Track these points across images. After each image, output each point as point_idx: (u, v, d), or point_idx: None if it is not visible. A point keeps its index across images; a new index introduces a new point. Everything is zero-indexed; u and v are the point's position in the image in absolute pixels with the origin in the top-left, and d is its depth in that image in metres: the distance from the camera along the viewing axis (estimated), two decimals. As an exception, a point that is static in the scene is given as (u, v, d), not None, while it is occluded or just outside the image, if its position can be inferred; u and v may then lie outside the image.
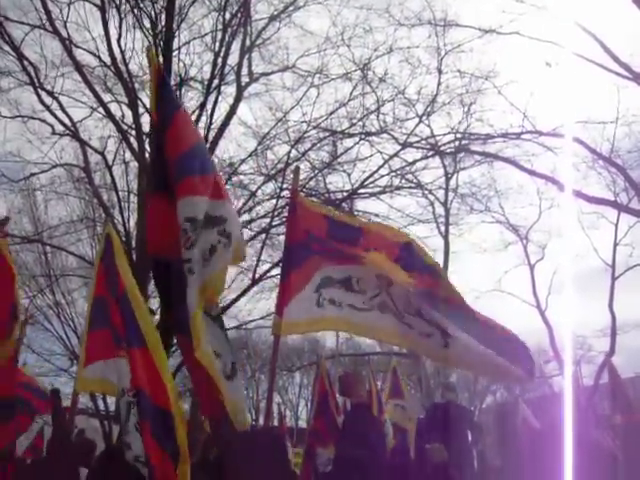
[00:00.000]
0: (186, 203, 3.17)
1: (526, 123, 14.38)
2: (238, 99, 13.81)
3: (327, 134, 14.13)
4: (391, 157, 14.31)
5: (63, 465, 3.36)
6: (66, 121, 13.48)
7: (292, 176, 4.75)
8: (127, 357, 3.28)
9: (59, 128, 13.70)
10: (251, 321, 15.91)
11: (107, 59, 13.09)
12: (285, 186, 13.51)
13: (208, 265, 3.15)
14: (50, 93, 13.15)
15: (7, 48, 12.70)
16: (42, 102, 13.12)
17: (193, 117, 13.38)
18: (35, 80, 12.86)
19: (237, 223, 3.60)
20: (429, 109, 14.12)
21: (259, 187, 13.95)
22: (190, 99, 13.88)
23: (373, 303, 3.59)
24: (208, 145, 13.29)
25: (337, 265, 3.68)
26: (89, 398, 14.59)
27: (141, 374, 3.11)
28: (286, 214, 13.30)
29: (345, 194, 14.67)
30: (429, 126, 14.76)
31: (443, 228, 19.15)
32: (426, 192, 16.48)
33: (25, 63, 12.81)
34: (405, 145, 14.35)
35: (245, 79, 14.11)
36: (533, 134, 14.60)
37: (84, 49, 13.21)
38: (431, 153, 15.10)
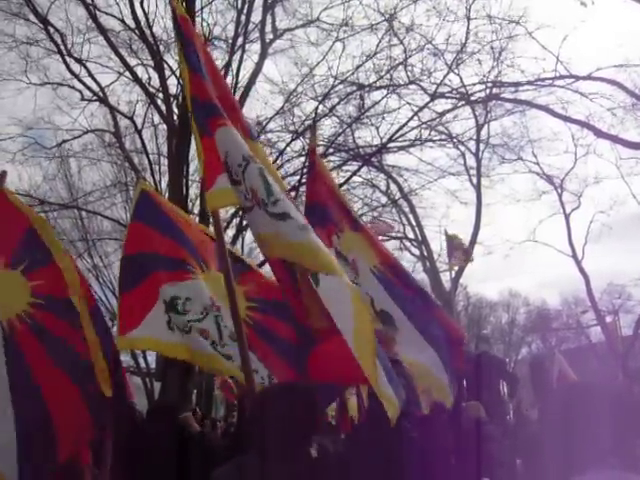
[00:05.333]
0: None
1: (560, 68, 13.86)
2: (263, 56, 13.66)
3: (354, 88, 13.88)
4: (421, 108, 14.01)
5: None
6: (94, 87, 13.60)
7: (310, 135, 4.75)
8: (202, 277, 3.46)
9: (88, 94, 13.86)
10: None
11: (131, 23, 13.04)
12: (319, 142, 13.44)
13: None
14: (78, 60, 13.21)
15: (34, 17, 12.74)
16: (70, 70, 13.23)
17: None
18: (62, 48, 12.92)
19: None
20: (458, 58, 13.70)
21: (287, 145, 13.88)
22: (215, 59, 13.75)
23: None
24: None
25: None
26: (130, 356, 15.15)
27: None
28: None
29: (374, 148, 14.48)
30: (459, 75, 14.38)
31: (475, 180, 18.87)
32: (457, 143, 16.21)
33: (51, 31, 12.85)
34: (435, 96, 14.01)
35: (269, 36, 13.90)
36: (567, 79, 14.09)
37: (108, 14, 13.16)
38: (461, 103, 14.73)
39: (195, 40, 3.21)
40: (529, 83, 14.14)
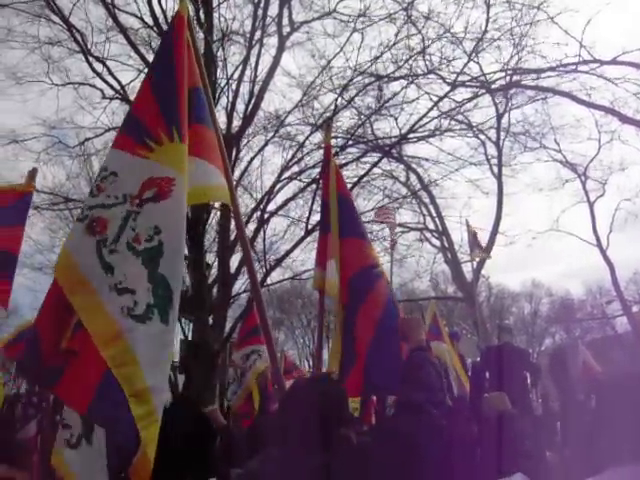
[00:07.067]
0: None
1: (583, 53, 13.61)
2: (281, 50, 13.66)
3: (373, 79, 13.81)
4: (441, 98, 13.86)
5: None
6: (115, 85, 13.71)
7: (325, 132, 4.68)
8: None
9: (109, 92, 13.96)
10: (305, 271, 16.06)
11: (149, 20, 13.15)
12: (334, 134, 13.42)
13: None
14: (98, 59, 13.35)
15: (56, 18, 12.90)
16: (93, 69, 13.36)
17: (237, 72, 13.42)
18: (84, 48, 13.06)
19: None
20: (478, 46, 13.53)
21: (307, 138, 13.88)
22: (233, 54, 13.82)
23: None
24: (254, 99, 13.30)
25: None
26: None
27: None
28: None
29: (393, 139, 14.41)
30: (478, 63, 14.22)
31: (496, 169, 18.69)
32: (477, 132, 16.07)
33: (74, 31, 12.98)
34: (455, 85, 13.89)
35: (286, 29, 13.88)
36: (592, 64, 13.84)
37: (127, 12, 13.30)
38: (482, 91, 14.57)
39: (180, 51, 2.94)
40: (551, 69, 13.93)
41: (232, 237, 12.96)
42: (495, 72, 14.24)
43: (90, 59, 13.22)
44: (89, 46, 13.15)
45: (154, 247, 2.54)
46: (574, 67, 13.88)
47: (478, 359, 9.62)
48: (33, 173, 4.09)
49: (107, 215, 2.64)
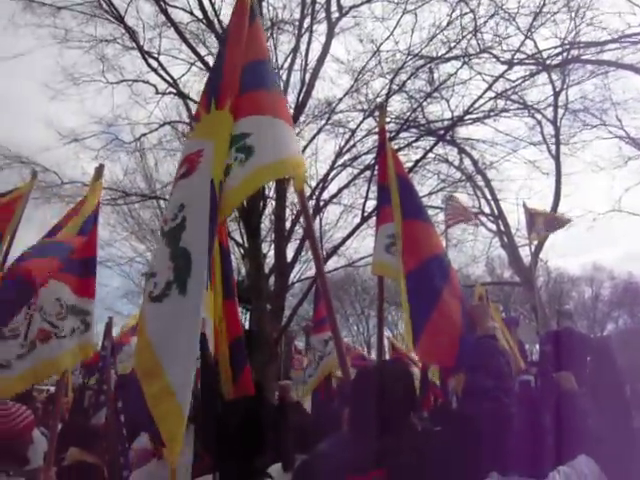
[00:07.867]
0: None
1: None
2: (330, 36, 13.58)
3: (422, 62, 13.53)
4: (497, 78, 13.43)
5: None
6: (168, 79, 13.97)
7: (379, 114, 4.63)
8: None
9: (162, 87, 14.28)
10: (360, 259, 16.02)
11: (199, 13, 13.32)
12: (388, 120, 13.29)
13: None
14: (151, 55, 13.62)
15: (111, 17, 13.22)
16: (149, 65, 13.63)
17: (287, 62, 13.46)
18: (138, 44, 13.35)
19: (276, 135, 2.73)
20: (535, 22, 12.99)
21: (359, 124, 13.81)
22: (282, 43, 13.85)
23: None
24: (305, 87, 13.29)
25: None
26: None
27: None
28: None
29: (446, 123, 14.12)
30: (533, 40, 13.68)
31: (554, 148, 18.03)
32: (533, 111, 15.52)
33: (128, 29, 13.28)
34: (511, 64, 13.43)
35: (335, 14, 13.77)
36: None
37: (176, 7, 13.51)
38: (539, 69, 14.01)
39: (235, 26, 3.00)
40: (614, 41, 13.22)
41: (288, 226, 13.09)
42: (555, 47, 13.66)
43: (146, 56, 13.51)
44: (142, 42, 13.45)
45: (177, 225, 2.54)
46: (640, 38, 13.13)
47: (537, 346, 9.37)
48: (100, 170, 4.12)
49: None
